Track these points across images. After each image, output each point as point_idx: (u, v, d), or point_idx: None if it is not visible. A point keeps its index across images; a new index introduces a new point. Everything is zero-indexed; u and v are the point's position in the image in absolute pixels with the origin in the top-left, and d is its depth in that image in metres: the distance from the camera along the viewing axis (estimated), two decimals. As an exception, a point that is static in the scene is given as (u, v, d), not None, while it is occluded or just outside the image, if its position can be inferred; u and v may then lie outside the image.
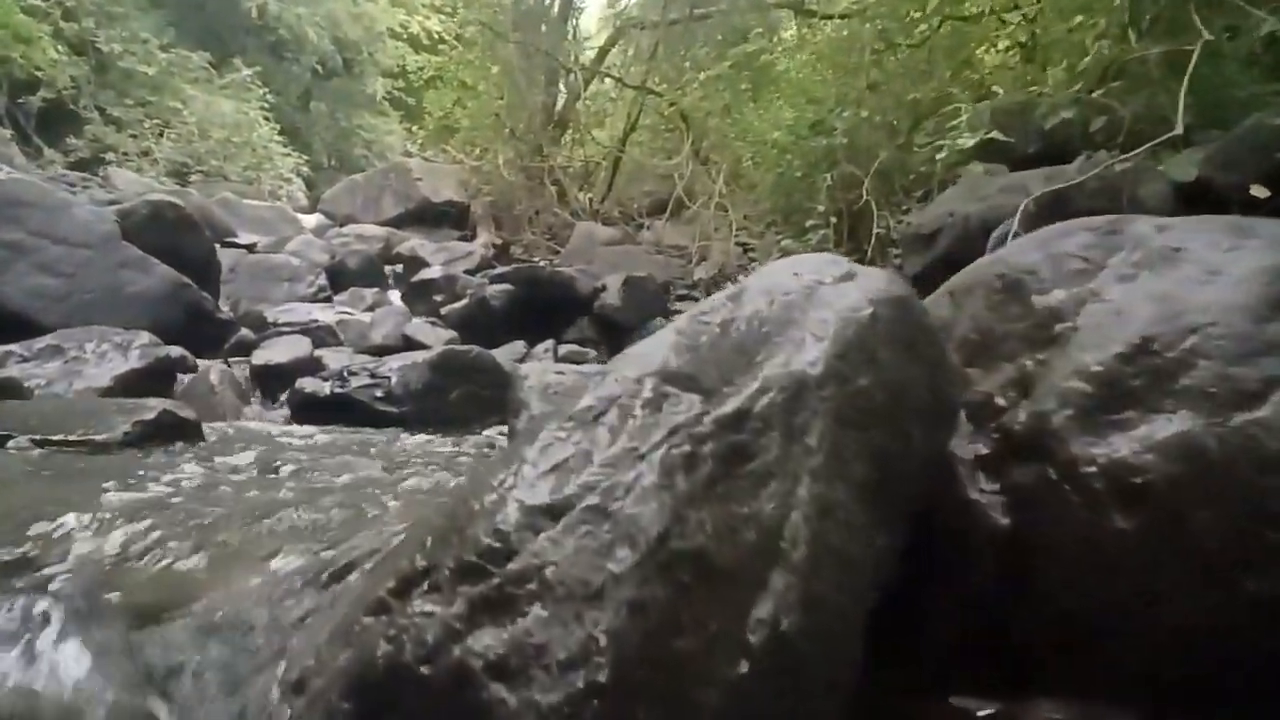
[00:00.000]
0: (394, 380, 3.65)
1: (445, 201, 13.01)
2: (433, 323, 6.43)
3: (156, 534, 1.46)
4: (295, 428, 3.52)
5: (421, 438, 3.30)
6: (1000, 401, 1.45)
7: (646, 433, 1.02)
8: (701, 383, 1.12)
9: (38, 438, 2.33)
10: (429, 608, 0.94)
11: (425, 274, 8.75)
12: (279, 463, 2.41)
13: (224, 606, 1.24)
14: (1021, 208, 4.62)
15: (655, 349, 1.18)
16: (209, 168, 16.96)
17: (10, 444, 2.30)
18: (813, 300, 1.28)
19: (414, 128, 16.88)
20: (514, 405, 2.83)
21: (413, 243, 10.58)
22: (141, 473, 2.17)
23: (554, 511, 0.96)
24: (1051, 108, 5.62)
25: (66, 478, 2.00)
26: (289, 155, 18.70)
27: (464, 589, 0.93)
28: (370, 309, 7.90)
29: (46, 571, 1.33)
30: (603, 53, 13.19)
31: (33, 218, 4.49)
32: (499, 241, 12.09)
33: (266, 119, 18.52)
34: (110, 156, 16.33)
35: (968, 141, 5.40)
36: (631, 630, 0.86)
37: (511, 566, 0.93)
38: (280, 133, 19.00)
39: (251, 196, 13.94)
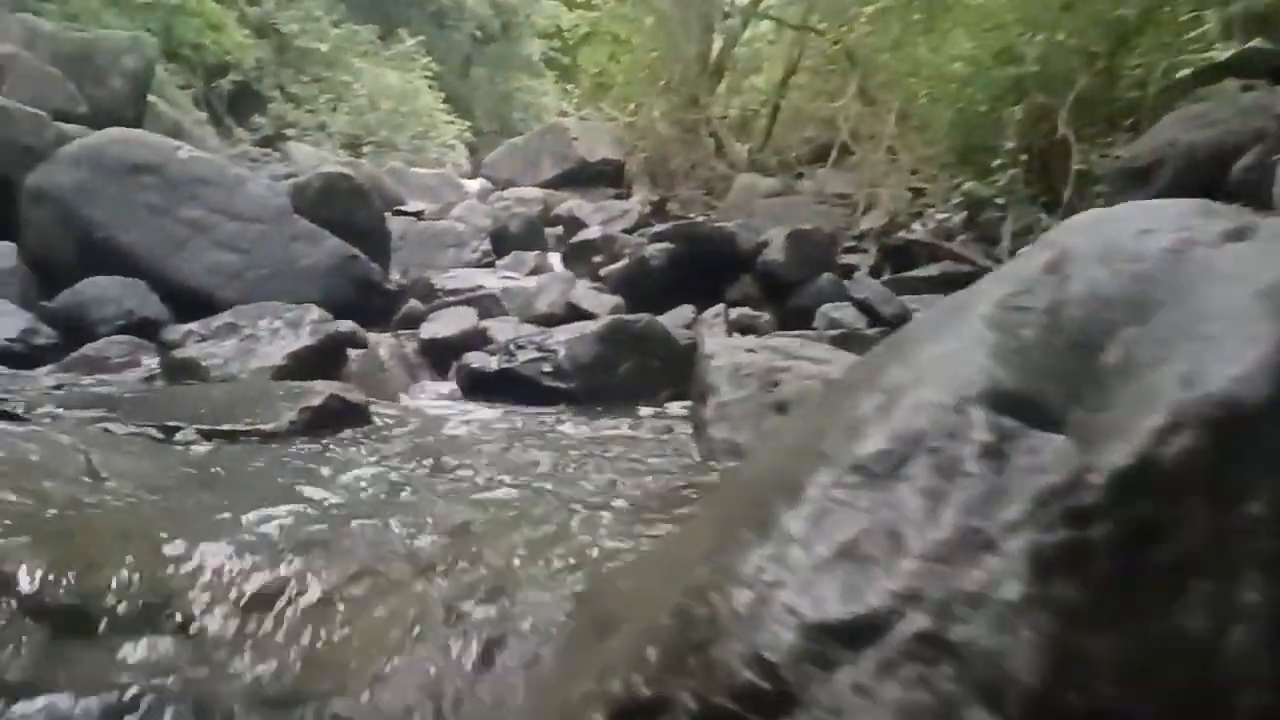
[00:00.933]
0: (561, 354, 3.36)
1: (601, 160, 12.79)
2: (596, 288, 6.12)
3: (304, 574, 1.21)
4: (463, 406, 3.34)
5: (592, 416, 3.03)
6: None
7: (995, 503, 0.63)
8: (1049, 409, 0.72)
9: (205, 428, 2.20)
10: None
11: (584, 235, 8.55)
12: (446, 456, 2.18)
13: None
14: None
15: (962, 351, 0.79)
16: (379, 138, 17.44)
17: (179, 435, 2.17)
18: (1189, 269, 0.85)
19: (569, 87, 16.71)
20: (700, 388, 2.48)
21: (570, 203, 10.41)
22: (309, 467, 1.99)
23: (852, 635, 0.60)
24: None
25: (230, 481, 1.83)
26: (452, 122, 18.99)
27: (714, 749, 0.59)
28: (532, 273, 7.77)
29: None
30: (759, -6, 12.49)
31: (211, 194, 4.48)
32: (655, 198, 11.74)
33: (430, 87, 18.86)
34: (290, 132, 17.11)
35: (1218, 55, 4.54)
36: None
37: (789, 724, 0.58)
38: (444, 100, 19.33)
39: (419, 165, 14.22)
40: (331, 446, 2.27)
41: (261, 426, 2.24)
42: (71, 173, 4.48)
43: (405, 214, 8.89)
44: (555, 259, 8.48)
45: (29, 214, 4.55)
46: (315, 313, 3.42)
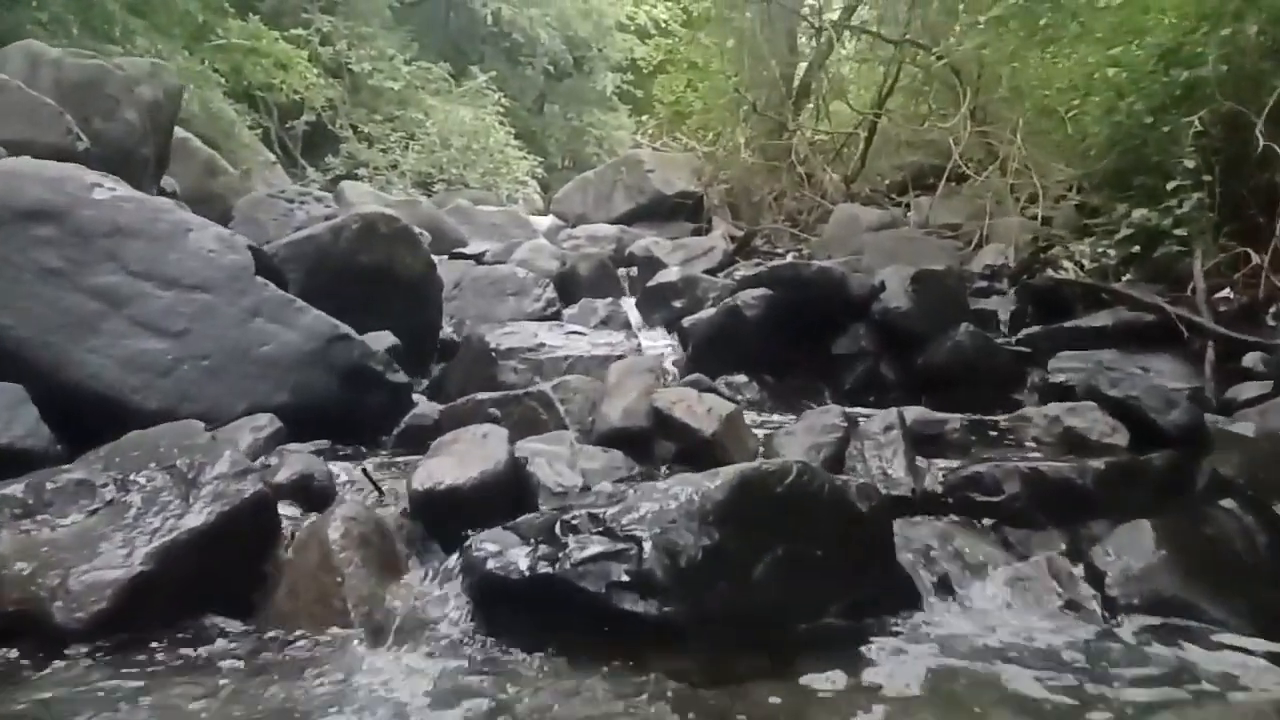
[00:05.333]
0: (648, 546, 1.88)
1: (678, 193, 11.54)
2: (695, 383, 4.05)
3: None
4: (468, 654, 1.92)
5: (713, 679, 1.69)
6: None
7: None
8: None
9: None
10: None
11: (662, 277, 7.26)
12: None
13: None
14: None
15: None
16: (450, 176, 16.69)
17: None
18: None
19: (644, 118, 15.61)
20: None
21: (646, 241, 9.14)
22: None
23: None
24: None
25: None
26: (524, 159, 18.15)
27: None
28: (602, 323, 6.51)
29: None
30: (850, 9, 11.12)
31: (136, 251, 3.09)
32: (738, 233, 10.40)
33: (502, 123, 18.07)
34: (362, 172, 16.44)
35: None
36: None
37: None
38: (515, 136, 18.52)
39: (489, 202, 13.26)
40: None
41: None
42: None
43: (464, 257, 7.77)
44: (629, 305, 7.20)
45: None
46: (243, 441, 2.18)
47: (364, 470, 2.56)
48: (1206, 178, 5.60)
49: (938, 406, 5.33)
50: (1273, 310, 4.81)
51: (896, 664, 1.83)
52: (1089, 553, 2.32)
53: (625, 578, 1.93)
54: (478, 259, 7.61)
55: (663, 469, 2.74)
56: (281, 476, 2.29)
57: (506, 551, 2.06)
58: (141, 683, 1.72)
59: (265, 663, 1.83)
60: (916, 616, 2.04)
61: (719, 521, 2.02)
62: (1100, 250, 6.10)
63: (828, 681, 1.72)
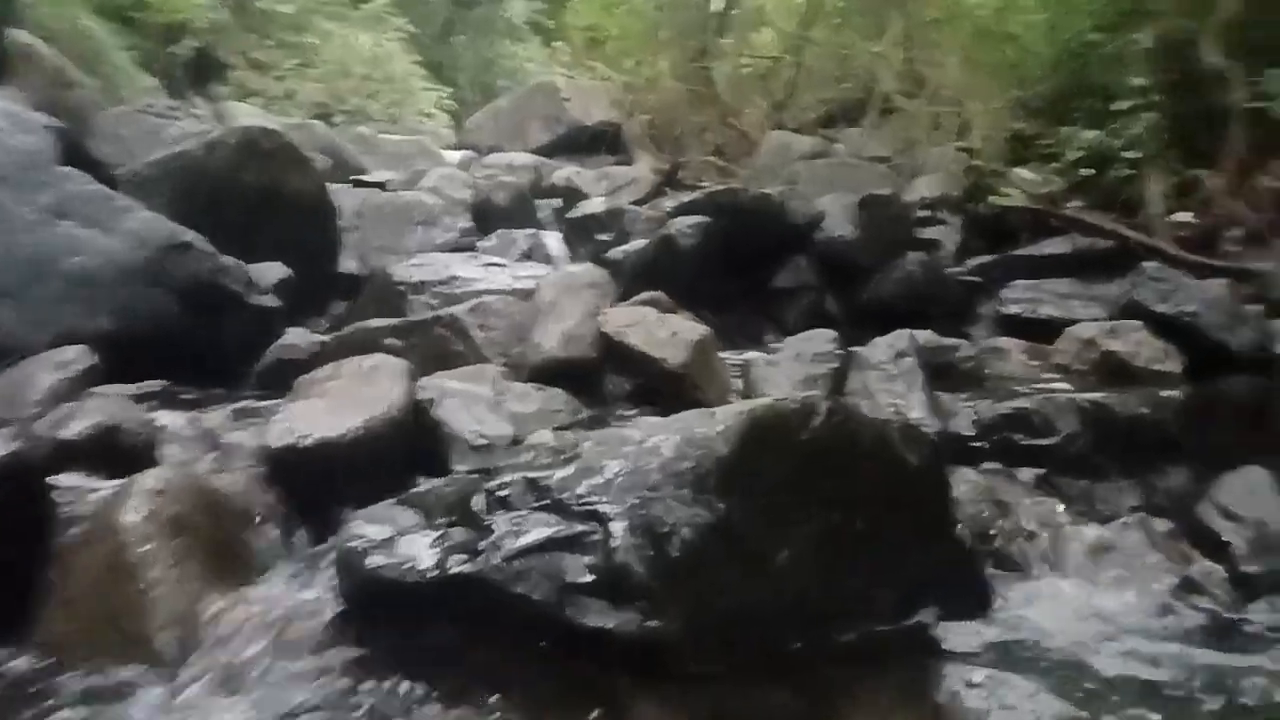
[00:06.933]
0: (619, 527, 1.23)
1: (599, 123, 10.86)
2: (650, 301, 3.20)
3: None
4: (334, 703, 1.22)
5: None
6: None
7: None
8: None
9: None
10: None
11: (586, 208, 6.66)
12: None
13: None
14: None
15: None
16: (351, 106, 15.44)
17: None
18: None
19: (558, 44, 14.69)
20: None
21: (567, 171, 8.50)
22: None
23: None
24: None
25: None
26: (431, 89, 16.99)
27: None
28: (525, 256, 5.89)
29: None
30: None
31: None
32: (663, 166, 9.80)
33: (406, 51, 16.83)
34: (256, 101, 15.07)
35: None
36: None
37: None
38: (422, 67, 17.31)
39: (394, 134, 12.25)
40: None
41: None
42: None
43: (366, 184, 6.95)
44: (553, 239, 6.57)
45: None
46: (52, 376, 1.54)
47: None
48: (1155, 98, 5.30)
49: (887, 341, 5.00)
50: (1229, 234, 4.55)
51: (975, 695, 1.29)
52: (1197, 512, 1.79)
53: (586, 576, 1.27)
54: (381, 186, 6.82)
55: (616, 411, 2.18)
56: (71, 431, 1.60)
57: (401, 539, 1.39)
58: None
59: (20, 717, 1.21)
60: (989, 611, 1.51)
61: (723, 486, 1.37)
62: (1044, 176, 5.77)
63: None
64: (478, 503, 1.46)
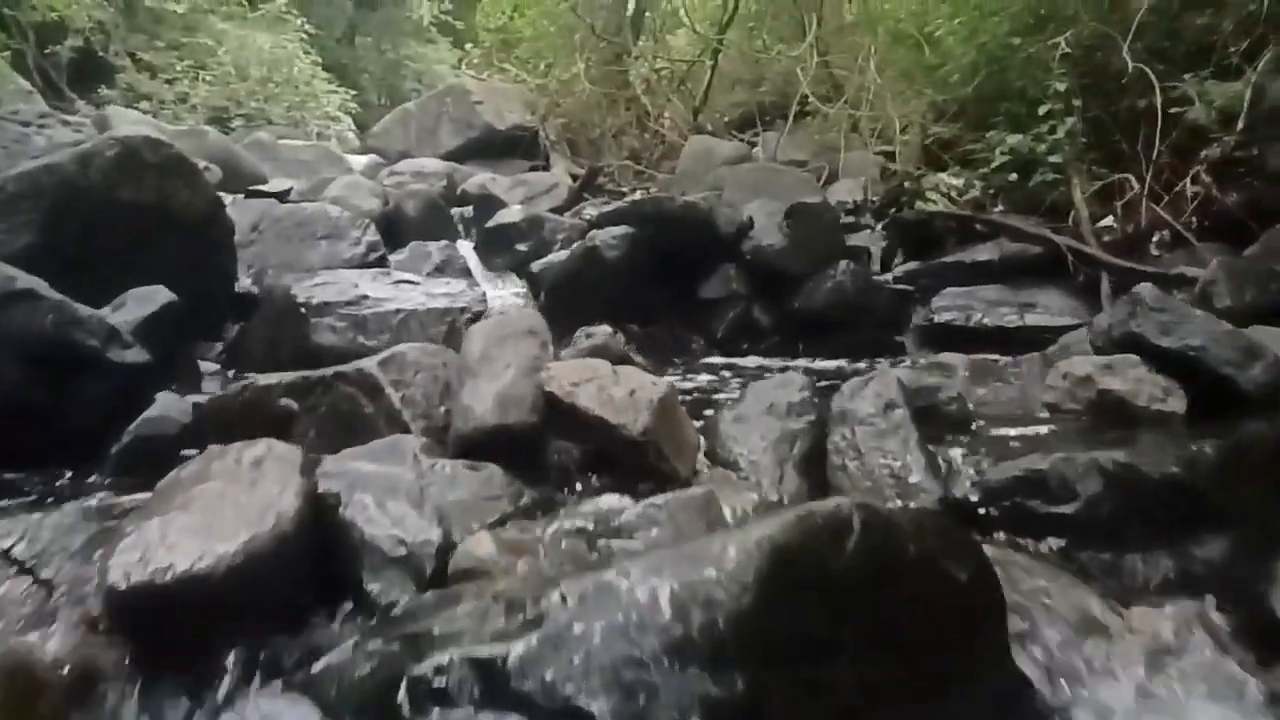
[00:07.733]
0: None
1: (512, 127, 10.43)
2: (607, 348, 2.75)
3: None
4: None
5: None
6: None
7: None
8: None
9: None
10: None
11: (503, 217, 6.29)
12: None
13: None
14: None
15: None
16: (250, 110, 14.60)
17: None
18: None
19: (468, 46, 14.19)
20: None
21: (481, 178, 8.07)
22: None
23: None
24: None
25: None
26: (335, 92, 16.22)
27: None
28: (437, 270, 5.51)
29: None
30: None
31: None
32: (579, 171, 9.51)
33: (307, 53, 16.03)
34: (145, 106, 14.10)
35: None
36: None
37: None
38: (325, 69, 16.53)
39: (296, 139, 11.58)
40: None
41: None
42: None
43: (264, 195, 6.42)
44: (467, 249, 6.21)
45: None
46: None
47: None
48: (1076, 102, 5.28)
49: (818, 354, 4.82)
50: (1155, 239, 4.52)
51: None
52: (1271, 599, 1.45)
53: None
54: (280, 197, 6.30)
55: (566, 490, 1.81)
56: None
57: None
58: None
59: None
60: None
61: (745, 653, 1.02)
62: (967, 182, 5.71)
63: None
64: (402, 696, 1.06)
